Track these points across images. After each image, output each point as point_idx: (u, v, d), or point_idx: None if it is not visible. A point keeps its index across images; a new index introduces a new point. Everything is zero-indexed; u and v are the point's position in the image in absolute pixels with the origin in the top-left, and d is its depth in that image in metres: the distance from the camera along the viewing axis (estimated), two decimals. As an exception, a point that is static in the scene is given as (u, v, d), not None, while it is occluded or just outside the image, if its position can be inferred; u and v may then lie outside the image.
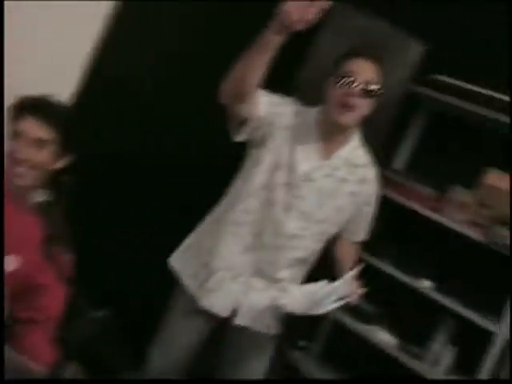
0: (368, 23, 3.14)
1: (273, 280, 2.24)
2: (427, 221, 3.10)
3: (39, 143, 1.88)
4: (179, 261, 2.32)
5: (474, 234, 3.00)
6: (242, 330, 2.25)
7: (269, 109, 2.13)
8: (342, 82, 2.08)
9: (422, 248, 3.27)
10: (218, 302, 2.20)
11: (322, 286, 2.11)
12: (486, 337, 2.83)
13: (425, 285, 3.10)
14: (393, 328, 3.19)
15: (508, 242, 2.85)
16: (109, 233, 3.17)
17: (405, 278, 3.11)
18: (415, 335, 3.14)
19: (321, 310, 2.08)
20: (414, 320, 3.19)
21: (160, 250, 2.45)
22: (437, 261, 3.18)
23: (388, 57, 3.01)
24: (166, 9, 3.20)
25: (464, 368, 2.97)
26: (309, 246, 2.27)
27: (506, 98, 2.96)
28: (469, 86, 3.10)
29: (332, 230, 2.30)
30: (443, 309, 3.01)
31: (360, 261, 2.43)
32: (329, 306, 2.07)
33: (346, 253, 2.42)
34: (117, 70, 3.15)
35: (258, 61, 1.86)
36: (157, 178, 3.28)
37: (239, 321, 2.23)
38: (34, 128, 1.87)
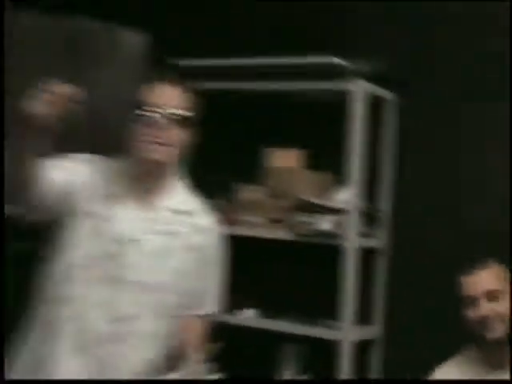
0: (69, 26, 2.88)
1: None
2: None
3: None
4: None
5: (275, 233, 2.78)
6: None
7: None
8: (144, 116, 1.94)
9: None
10: None
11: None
12: (332, 347, 2.62)
13: (248, 315, 2.81)
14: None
15: (318, 226, 2.63)
16: None
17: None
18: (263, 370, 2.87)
19: None
20: (253, 360, 2.90)
21: None
22: (250, 282, 2.89)
23: (111, 51, 2.89)
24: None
25: None
26: (151, 327, 2.01)
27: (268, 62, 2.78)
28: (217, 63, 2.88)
29: (174, 299, 2.07)
30: (277, 334, 2.78)
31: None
32: None
33: (191, 330, 2.12)
34: None
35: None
36: None
37: None
38: None
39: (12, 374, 2.07)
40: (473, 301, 2.18)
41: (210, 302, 2.14)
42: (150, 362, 2.02)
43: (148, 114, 1.91)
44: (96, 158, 2.08)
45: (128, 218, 2.00)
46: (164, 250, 2.00)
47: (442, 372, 2.27)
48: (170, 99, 1.94)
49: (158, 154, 1.92)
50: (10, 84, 2.72)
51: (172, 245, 2.02)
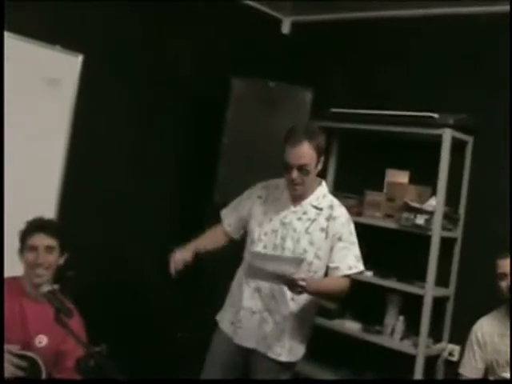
0: (264, 87, 3.85)
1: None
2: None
3: (49, 249, 2.54)
4: (221, 317, 2.85)
5: (388, 224, 3.69)
6: (262, 357, 2.72)
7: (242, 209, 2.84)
8: (285, 169, 2.62)
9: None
10: (244, 336, 2.70)
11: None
12: (419, 300, 3.49)
13: (368, 274, 3.72)
14: (354, 316, 3.85)
15: (416, 221, 3.50)
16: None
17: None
18: (372, 316, 3.79)
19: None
20: (369, 305, 3.83)
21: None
22: (370, 253, 3.73)
23: (289, 103, 3.76)
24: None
25: (412, 330, 3.61)
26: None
27: (391, 113, 3.65)
28: (358, 111, 3.79)
29: (315, 262, 2.64)
30: (385, 289, 3.67)
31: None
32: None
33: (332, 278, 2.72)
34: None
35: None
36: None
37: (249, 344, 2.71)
38: (44, 239, 2.53)
39: (225, 308, 2.80)
40: (504, 276, 2.81)
41: (347, 266, 2.66)
42: (297, 297, 2.59)
43: (287, 167, 2.61)
44: (263, 184, 2.84)
45: (285, 210, 2.68)
46: (305, 229, 2.64)
47: (483, 322, 2.93)
48: (298, 158, 2.56)
49: (295, 190, 2.65)
50: (229, 129, 3.76)
51: (310, 226, 2.63)
